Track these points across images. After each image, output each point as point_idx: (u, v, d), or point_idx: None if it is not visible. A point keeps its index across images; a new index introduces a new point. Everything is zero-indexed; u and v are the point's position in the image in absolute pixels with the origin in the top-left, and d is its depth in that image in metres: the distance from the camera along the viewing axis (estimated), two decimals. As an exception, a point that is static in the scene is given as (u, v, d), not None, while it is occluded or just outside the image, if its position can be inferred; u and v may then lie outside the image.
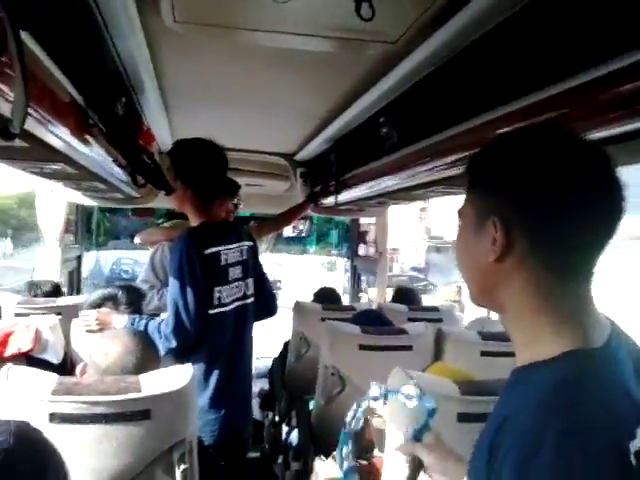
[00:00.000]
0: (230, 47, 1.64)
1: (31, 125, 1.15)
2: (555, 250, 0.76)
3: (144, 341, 1.57)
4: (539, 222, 0.76)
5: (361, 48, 1.50)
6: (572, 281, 0.77)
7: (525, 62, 1.21)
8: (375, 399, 1.14)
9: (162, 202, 3.44)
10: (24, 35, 0.91)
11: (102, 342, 1.52)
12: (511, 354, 0.85)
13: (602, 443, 0.66)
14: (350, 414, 1.20)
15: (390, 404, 1.19)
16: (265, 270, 2.49)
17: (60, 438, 1.23)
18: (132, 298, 2.23)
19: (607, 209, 0.75)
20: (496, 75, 1.33)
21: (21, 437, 0.81)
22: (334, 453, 1.99)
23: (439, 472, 1.08)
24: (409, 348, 2.15)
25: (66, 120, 1.40)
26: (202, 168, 2.14)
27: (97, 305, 2.17)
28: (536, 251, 0.76)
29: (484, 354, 2.09)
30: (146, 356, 1.51)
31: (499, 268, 0.79)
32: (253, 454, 2.98)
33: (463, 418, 1.35)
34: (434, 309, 2.90)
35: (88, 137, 1.63)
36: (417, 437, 1.10)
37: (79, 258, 3.79)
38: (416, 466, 1.11)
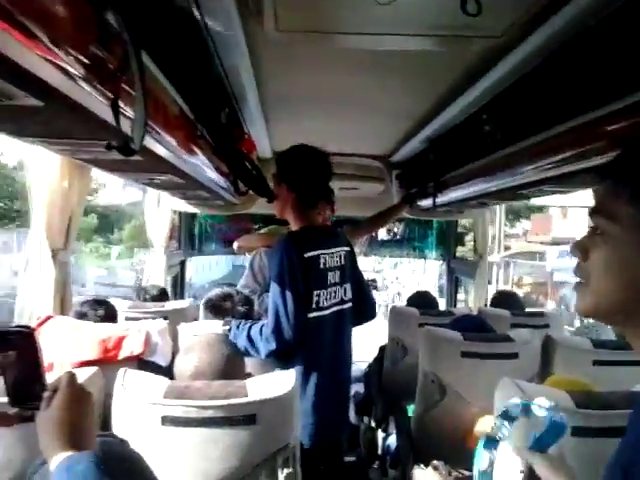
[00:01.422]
0: (330, 52, 1.64)
1: (147, 141, 1.21)
2: None
3: (232, 349, 1.60)
4: None
5: (464, 44, 1.45)
6: None
7: (635, 55, 1.13)
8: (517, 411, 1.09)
9: (259, 209, 3.53)
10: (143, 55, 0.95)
11: (186, 348, 1.56)
12: (626, 363, 0.79)
13: None
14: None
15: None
16: (363, 275, 2.48)
17: (171, 440, 1.29)
18: (246, 299, 2.30)
19: None
20: (604, 70, 1.25)
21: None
22: (434, 462, 1.95)
23: None
24: (514, 356, 2.07)
25: (176, 133, 1.46)
26: (307, 174, 2.17)
27: (216, 303, 2.26)
28: None
29: (596, 363, 1.97)
30: (233, 363, 1.54)
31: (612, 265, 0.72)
32: (349, 458, 2.98)
33: (578, 432, 1.28)
34: (540, 314, 2.78)
35: (195, 148, 1.70)
36: (540, 448, 1.05)
37: (182, 263, 3.96)
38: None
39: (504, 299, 3.07)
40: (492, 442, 1.12)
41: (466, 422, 1.97)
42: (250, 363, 1.72)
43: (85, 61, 0.80)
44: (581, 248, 0.77)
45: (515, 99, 1.77)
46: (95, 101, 0.96)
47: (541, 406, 1.06)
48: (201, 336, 1.67)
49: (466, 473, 1.82)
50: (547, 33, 1.29)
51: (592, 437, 1.28)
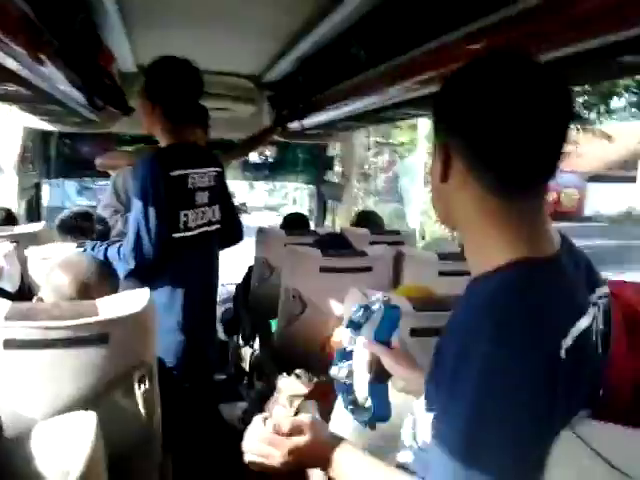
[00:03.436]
0: None
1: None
2: (489, 172, 0.80)
3: (102, 268, 1.56)
4: (470, 146, 0.81)
5: None
6: (515, 198, 0.81)
7: None
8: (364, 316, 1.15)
9: (123, 128, 3.34)
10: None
11: (59, 270, 1.49)
12: (468, 273, 0.88)
13: (534, 339, 0.72)
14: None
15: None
16: (232, 196, 2.47)
17: (16, 364, 1.24)
18: (102, 219, 2.21)
19: (539, 133, 0.78)
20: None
21: None
22: (296, 371, 2.06)
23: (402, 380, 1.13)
24: (369, 269, 2.20)
25: (16, 37, 1.32)
26: (176, 86, 2.07)
27: (70, 223, 2.14)
28: (473, 173, 0.81)
29: (442, 274, 2.14)
30: (104, 283, 1.50)
31: (447, 188, 0.86)
32: (219, 376, 3.07)
33: (415, 333, 1.42)
34: (396, 232, 2.94)
35: (41, 55, 1.55)
36: (383, 339, 1.12)
37: (38, 186, 3.68)
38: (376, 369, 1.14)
39: (366, 218, 3.21)
40: (345, 354, 1.17)
41: (324, 333, 2.08)
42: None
43: None
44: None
45: (381, 21, 1.77)
46: None
47: (376, 300, 1.13)
48: (70, 256, 1.60)
49: (324, 379, 1.93)
50: None
51: (429, 336, 1.38)
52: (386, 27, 1.76)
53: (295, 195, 17.33)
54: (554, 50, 1.11)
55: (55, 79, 1.83)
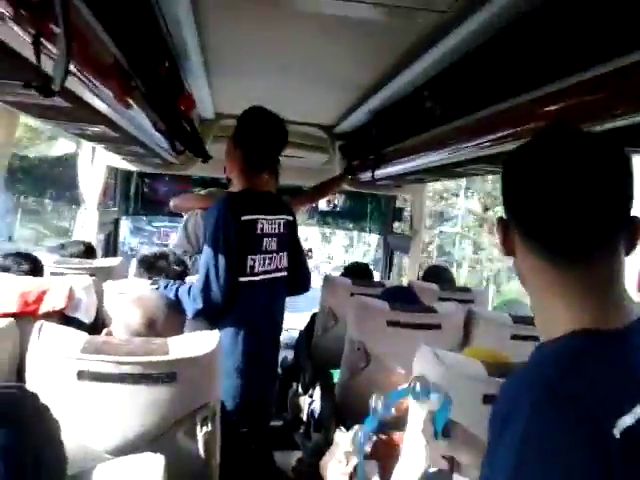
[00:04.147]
0: (276, 13, 1.61)
1: (73, 85, 1.16)
2: (541, 243, 0.83)
3: (170, 305, 1.59)
4: (521, 221, 0.85)
5: (410, 16, 1.45)
6: (571, 268, 0.81)
7: (578, 37, 1.16)
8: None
9: (199, 171, 3.46)
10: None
11: (130, 305, 1.54)
12: None
13: (577, 417, 0.70)
14: (380, 402, 1.19)
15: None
16: (302, 246, 2.49)
17: (87, 396, 1.27)
18: (181, 260, 2.28)
19: (578, 204, 0.79)
20: (546, 50, 1.28)
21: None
22: (356, 427, 2.00)
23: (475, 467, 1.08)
24: (438, 327, 2.13)
25: (109, 82, 1.40)
26: (260, 135, 2.14)
27: (150, 260, 2.22)
28: (529, 245, 0.84)
29: (514, 337, 2.07)
30: (170, 321, 1.53)
31: (516, 261, 0.89)
32: (275, 423, 3.03)
33: (489, 400, 1.34)
34: (466, 290, 2.87)
35: (129, 100, 1.64)
36: (444, 434, 1.10)
37: (116, 222, 3.85)
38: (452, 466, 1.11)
39: (435, 273, 3.15)
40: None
41: (388, 389, 2.01)
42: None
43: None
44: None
45: (457, 77, 1.79)
46: (16, 37, 0.91)
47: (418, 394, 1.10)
48: (142, 293, 1.65)
49: (383, 437, 1.87)
50: (491, 12, 1.31)
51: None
52: (460, 84, 1.77)
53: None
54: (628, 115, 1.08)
55: (140, 122, 1.93)
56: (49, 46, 0.94)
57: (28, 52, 0.95)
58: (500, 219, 0.88)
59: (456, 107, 1.81)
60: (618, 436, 0.68)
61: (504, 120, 1.52)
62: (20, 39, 0.92)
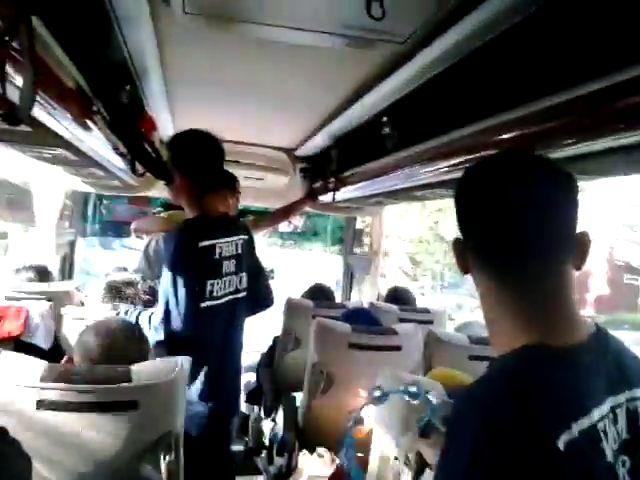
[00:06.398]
0: (237, 40, 1.63)
1: (35, 110, 1.15)
2: (491, 262, 0.86)
3: (130, 332, 1.57)
4: (472, 241, 0.89)
5: (369, 46, 1.49)
6: (519, 286, 0.83)
7: (531, 69, 1.21)
8: (379, 399, 1.15)
9: (159, 192, 3.43)
10: (34, 20, 0.90)
11: (88, 330, 1.51)
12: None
13: (522, 425, 0.72)
14: (351, 418, 1.21)
15: (387, 404, 1.20)
16: (261, 263, 2.48)
17: (47, 425, 1.24)
18: (151, 288, 2.25)
19: (529, 220, 0.82)
20: (500, 81, 1.33)
21: None
22: (319, 449, 2.00)
23: None
24: (398, 348, 2.16)
25: (70, 106, 1.39)
26: (197, 159, 2.12)
27: (117, 287, 2.18)
28: (481, 264, 0.88)
29: (472, 358, 2.11)
30: (131, 347, 1.51)
31: (473, 280, 0.90)
32: (237, 447, 2.99)
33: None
34: (426, 310, 2.91)
35: (90, 124, 1.63)
36: (424, 433, 1.12)
37: (72, 244, 3.77)
38: (420, 463, 1.13)
39: (397, 294, 3.19)
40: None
41: (351, 411, 2.03)
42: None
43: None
44: None
45: (414, 104, 1.84)
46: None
47: (415, 393, 1.12)
48: (104, 319, 1.62)
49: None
50: (448, 42, 1.35)
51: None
52: (418, 111, 1.82)
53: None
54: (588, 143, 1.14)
55: (100, 145, 1.91)
56: (12, 74, 0.93)
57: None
58: (456, 239, 0.91)
59: (413, 133, 1.85)
60: (563, 449, 0.70)
61: (460, 147, 1.56)
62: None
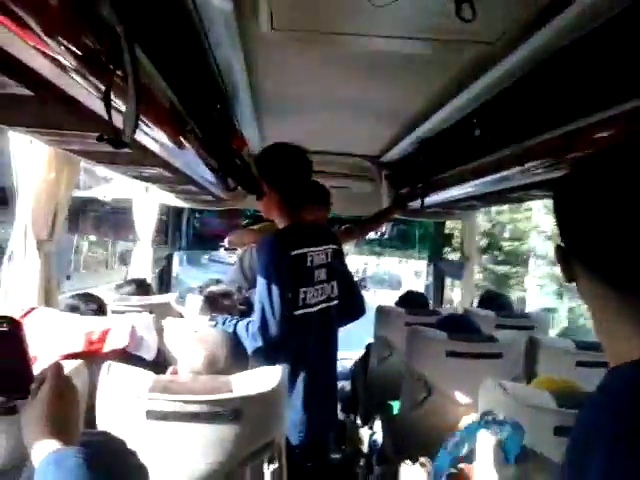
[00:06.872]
0: (324, 53, 1.65)
1: (136, 133, 1.20)
2: (603, 272, 0.77)
3: (233, 342, 1.61)
4: (578, 250, 0.80)
5: (458, 49, 1.46)
6: (630, 294, 0.75)
7: (625, 66, 1.15)
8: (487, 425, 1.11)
9: (249, 204, 3.52)
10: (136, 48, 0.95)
11: (192, 344, 1.56)
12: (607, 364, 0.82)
13: None
14: (454, 439, 1.18)
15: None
16: (351, 272, 2.49)
17: (155, 435, 1.29)
18: (246, 299, 2.32)
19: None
20: (593, 80, 1.27)
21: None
22: (421, 459, 1.96)
23: None
24: (498, 356, 2.09)
25: (166, 126, 1.45)
26: (286, 172, 2.15)
27: (214, 299, 2.26)
28: (589, 273, 0.79)
29: (580, 364, 2.01)
30: (235, 357, 1.55)
31: (578, 288, 0.83)
32: (335, 456, 2.99)
33: (559, 432, 1.30)
34: (524, 316, 2.80)
35: (185, 142, 1.69)
36: (517, 460, 1.08)
37: (170, 257, 3.94)
38: None
39: (492, 299, 3.09)
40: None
41: (451, 420, 1.98)
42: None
43: (77, 52, 0.80)
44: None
45: (505, 105, 1.79)
46: (86, 93, 0.96)
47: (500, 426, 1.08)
48: (207, 331, 1.68)
49: (454, 471, 1.83)
50: (538, 42, 1.31)
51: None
52: (508, 112, 1.76)
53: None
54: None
55: (194, 162, 1.98)
56: (117, 99, 0.98)
57: (97, 106, 1.00)
58: (558, 246, 0.83)
59: (503, 135, 1.80)
60: None
61: (552, 147, 1.51)
62: (89, 94, 0.97)
